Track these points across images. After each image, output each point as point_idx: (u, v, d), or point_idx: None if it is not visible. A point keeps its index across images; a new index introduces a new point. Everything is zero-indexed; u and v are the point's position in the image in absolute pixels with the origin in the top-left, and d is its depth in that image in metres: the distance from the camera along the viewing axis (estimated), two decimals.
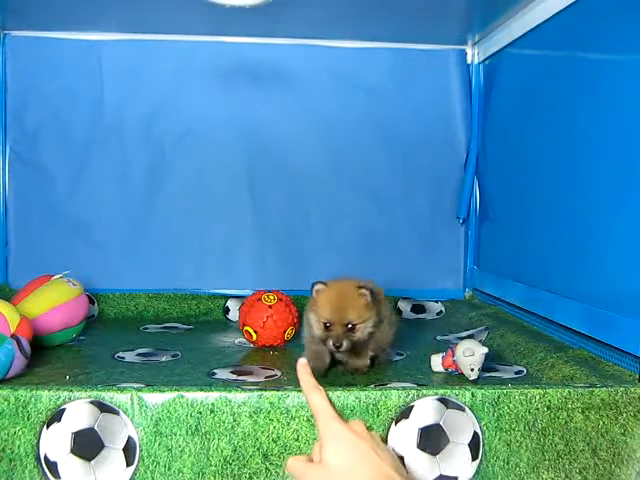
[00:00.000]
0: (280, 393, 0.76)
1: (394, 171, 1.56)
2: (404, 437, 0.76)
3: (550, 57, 1.17)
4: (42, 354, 1.06)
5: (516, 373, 1.01)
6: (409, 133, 1.55)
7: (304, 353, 0.98)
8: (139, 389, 0.76)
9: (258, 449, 0.75)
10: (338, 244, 1.55)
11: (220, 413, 0.75)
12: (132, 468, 0.74)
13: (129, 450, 0.74)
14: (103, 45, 1.49)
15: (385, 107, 1.54)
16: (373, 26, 1.40)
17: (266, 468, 0.75)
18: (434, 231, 1.57)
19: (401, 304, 1.52)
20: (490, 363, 1.03)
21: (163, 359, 1.08)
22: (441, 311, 1.52)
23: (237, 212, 1.54)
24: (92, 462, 0.73)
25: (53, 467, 0.73)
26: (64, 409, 0.74)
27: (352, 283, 0.94)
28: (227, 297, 1.49)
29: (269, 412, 0.76)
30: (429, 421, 0.76)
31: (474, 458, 0.77)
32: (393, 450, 0.76)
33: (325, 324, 0.92)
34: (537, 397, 0.78)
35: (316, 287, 0.95)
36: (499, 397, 0.78)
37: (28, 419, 0.74)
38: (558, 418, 0.78)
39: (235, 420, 0.75)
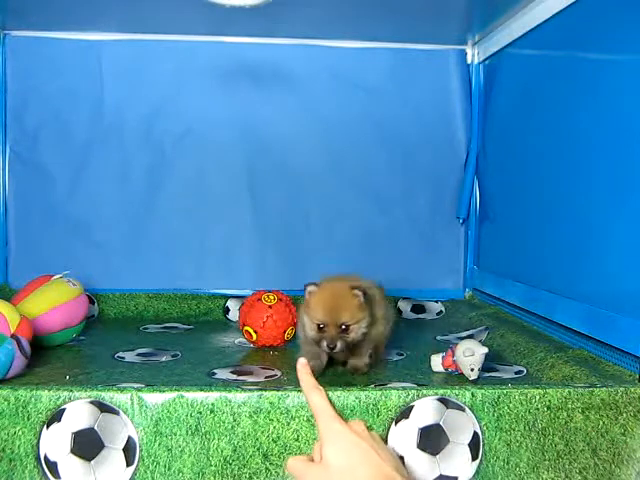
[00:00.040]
0: (280, 393, 0.76)
1: (394, 171, 1.56)
2: (404, 437, 0.76)
3: (550, 57, 1.17)
4: (42, 354, 1.06)
5: (516, 373, 1.01)
6: (409, 133, 1.55)
7: (299, 354, 0.97)
8: (139, 389, 0.76)
9: (258, 449, 0.75)
10: (338, 244, 1.54)
11: (220, 413, 0.75)
12: (132, 468, 0.74)
13: (129, 450, 0.74)
14: (103, 45, 1.49)
15: (385, 107, 1.54)
16: (373, 26, 1.40)
17: (266, 468, 0.75)
18: (434, 231, 1.57)
19: (401, 304, 1.52)
20: (490, 363, 1.03)
21: (163, 359, 1.08)
22: (441, 311, 1.52)
23: (237, 212, 1.54)
24: (92, 462, 0.73)
25: (53, 467, 0.73)
26: (64, 409, 0.74)
27: (345, 284, 0.93)
28: (227, 297, 1.49)
29: (269, 412, 0.76)
30: (429, 421, 0.76)
31: (474, 458, 0.77)
32: (393, 450, 0.76)
33: (318, 325, 0.92)
34: (537, 397, 0.78)
35: (308, 288, 0.94)
36: (499, 397, 0.78)
37: (28, 419, 0.74)
38: (558, 418, 0.78)
39: (235, 420, 0.75)
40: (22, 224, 1.49)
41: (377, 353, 1.03)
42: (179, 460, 0.75)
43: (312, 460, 0.71)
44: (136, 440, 0.75)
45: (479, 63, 1.54)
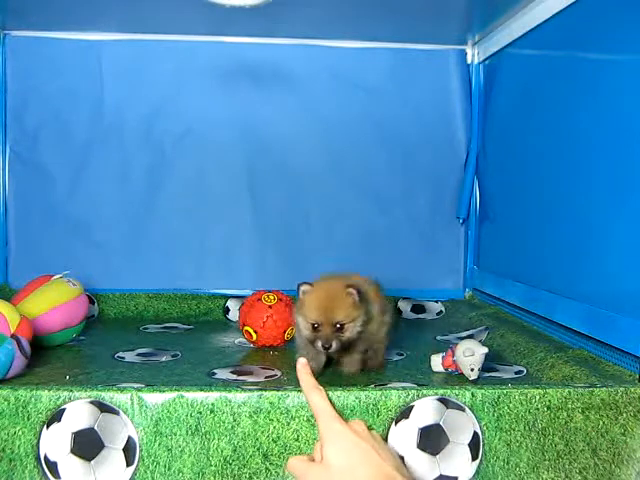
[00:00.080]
0: (280, 393, 0.76)
1: (394, 171, 1.56)
2: (404, 437, 0.76)
3: (550, 57, 1.17)
4: (42, 354, 1.06)
5: (516, 373, 1.01)
6: (409, 133, 1.55)
7: (298, 354, 0.97)
8: (139, 389, 0.76)
9: (258, 449, 0.75)
10: (338, 244, 1.55)
11: (220, 413, 0.75)
12: (132, 468, 0.74)
13: (129, 450, 0.74)
14: (103, 45, 1.49)
15: (385, 107, 1.54)
16: (373, 26, 1.40)
17: (266, 468, 0.75)
18: (434, 231, 1.57)
19: (401, 304, 1.52)
20: (490, 363, 1.03)
21: (163, 359, 1.08)
22: (441, 311, 1.52)
23: (237, 212, 1.54)
24: (92, 462, 0.73)
25: (53, 467, 0.73)
26: (64, 409, 0.74)
27: (339, 282, 0.93)
28: (227, 297, 1.49)
29: (269, 412, 0.76)
30: (429, 421, 0.76)
31: (474, 458, 0.77)
32: (393, 450, 0.76)
33: (313, 325, 0.91)
34: (537, 397, 0.78)
35: (302, 288, 0.94)
36: (499, 397, 0.78)
37: (28, 419, 0.74)
38: (558, 418, 0.78)
39: (235, 420, 0.75)
40: (22, 224, 1.49)
41: (378, 353, 1.03)
42: (179, 460, 0.75)
43: (312, 460, 0.71)
44: (136, 440, 0.75)
45: (479, 63, 1.54)
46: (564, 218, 1.10)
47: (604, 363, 0.95)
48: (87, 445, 0.73)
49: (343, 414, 0.76)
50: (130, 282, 1.50)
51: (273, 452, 0.75)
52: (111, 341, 1.21)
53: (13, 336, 0.91)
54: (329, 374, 0.99)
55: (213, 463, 0.75)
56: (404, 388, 0.78)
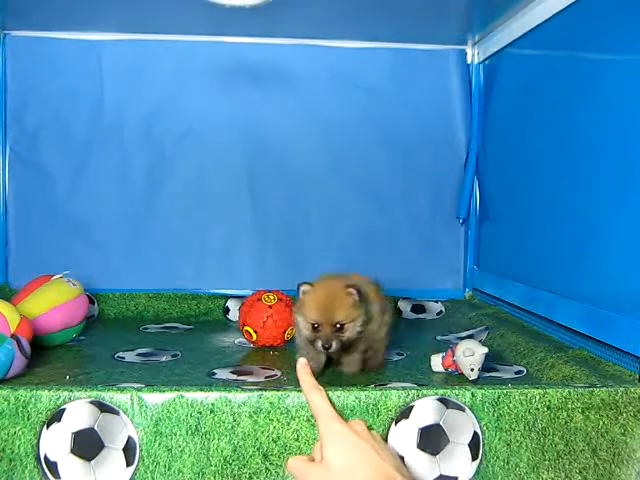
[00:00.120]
0: (280, 393, 0.76)
1: (394, 171, 1.56)
2: (404, 437, 0.76)
3: (550, 57, 1.17)
4: (42, 354, 1.06)
5: (516, 373, 1.01)
6: (409, 133, 1.55)
7: (298, 354, 0.96)
8: (139, 389, 0.76)
9: (258, 449, 0.75)
10: (338, 244, 1.55)
11: (220, 413, 0.75)
12: (132, 468, 0.74)
13: (129, 450, 0.74)
14: (103, 45, 1.49)
15: (385, 107, 1.54)
16: (373, 26, 1.40)
17: (266, 468, 0.75)
18: (434, 231, 1.57)
19: (401, 304, 1.52)
20: (490, 363, 1.03)
21: (163, 359, 1.08)
22: (441, 311, 1.52)
23: (237, 212, 1.54)
24: (92, 462, 0.73)
25: (53, 467, 0.73)
26: (64, 409, 0.74)
27: (339, 282, 0.93)
28: (227, 297, 1.49)
29: (269, 412, 0.76)
30: (429, 421, 0.76)
31: (474, 458, 0.77)
32: (393, 450, 0.76)
33: (313, 325, 0.91)
34: (537, 397, 0.78)
35: (302, 288, 0.93)
36: (499, 397, 0.78)
37: (28, 419, 0.74)
38: (558, 418, 0.78)
39: (235, 420, 0.75)
40: (22, 224, 1.49)
41: (378, 353, 1.03)
42: (179, 460, 0.75)
43: (312, 460, 0.71)
44: (136, 440, 0.75)
45: (479, 63, 1.54)
46: (564, 218, 1.10)
47: (604, 363, 0.95)
48: (87, 445, 0.73)
49: (343, 414, 0.76)
50: (130, 282, 1.50)
51: (273, 452, 0.75)
52: (111, 341, 1.21)
53: (13, 336, 0.91)
54: (329, 374, 0.99)
55: (213, 463, 0.75)
56: (404, 388, 0.78)
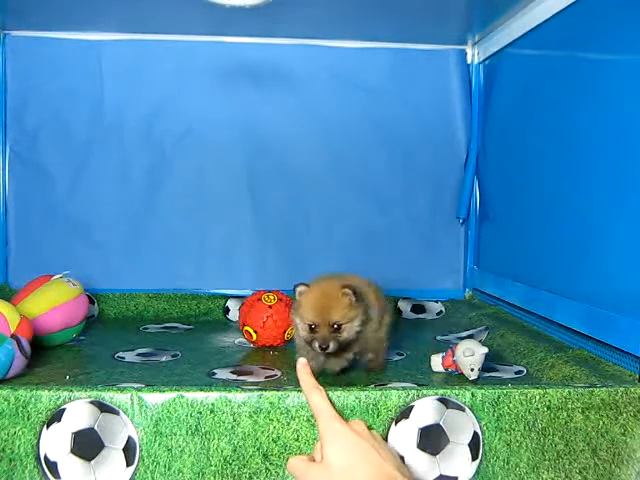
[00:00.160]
0: (280, 393, 0.76)
1: (394, 171, 1.56)
2: (404, 437, 0.76)
3: (550, 57, 1.17)
4: (42, 354, 1.06)
5: (516, 373, 1.01)
6: (409, 133, 1.55)
7: (297, 355, 0.96)
8: (139, 389, 0.76)
9: (258, 449, 0.75)
10: (338, 244, 1.55)
11: (220, 413, 0.75)
12: (132, 468, 0.74)
13: (129, 450, 0.74)
14: (103, 45, 1.49)
15: (385, 107, 1.54)
16: (373, 26, 1.40)
17: (266, 468, 0.75)
18: (434, 231, 1.57)
19: (401, 304, 1.52)
20: (490, 363, 1.03)
21: (163, 359, 1.08)
22: (441, 311, 1.52)
23: (237, 212, 1.54)
24: (92, 462, 0.73)
25: (53, 467, 0.73)
26: (64, 409, 0.74)
27: (335, 283, 0.92)
28: (227, 297, 1.49)
29: (269, 412, 0.76)
30: (429, 421, 0.76)
31: (474, 458, 0.77)
32: (393, 450, 0.75)
33: (310, 326, 0.91)
34: (537, 397, 0.78)
35: (298, 289, 0.93)
36: (499, 397, 0.78)
37: (28, 419, 0.74)
38: (558, 418, 0.78)
39: (235, 420, 0.75)
40: (22, 224, 1.49)
41: (378, 355, 1.03)
42: (179, 460, 0.75)
43: (313, 460, 0.71)
44: (136, 440, 0.75)
45: (479, 63, 1.54)
46: (564, 218, 1.10)
47: (604, 363, 0.95)
48: (87, 445, 0.73)
49: (343, 414, 0.76)
50: (130, 282, 1.50)
51: (273, 452, 0.75)
52: (111, 341, 1.21)
53: (13, 336, 0.91)
54: (329, 374, 0.99)
55: (213, 463, 0.75)
56: (404, 388, 0.78)
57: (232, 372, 1.00)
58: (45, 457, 0.74)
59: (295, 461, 0.71)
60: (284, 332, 1.16)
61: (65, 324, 1.13)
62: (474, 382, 0.92)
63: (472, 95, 1.55)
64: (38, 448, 0.74)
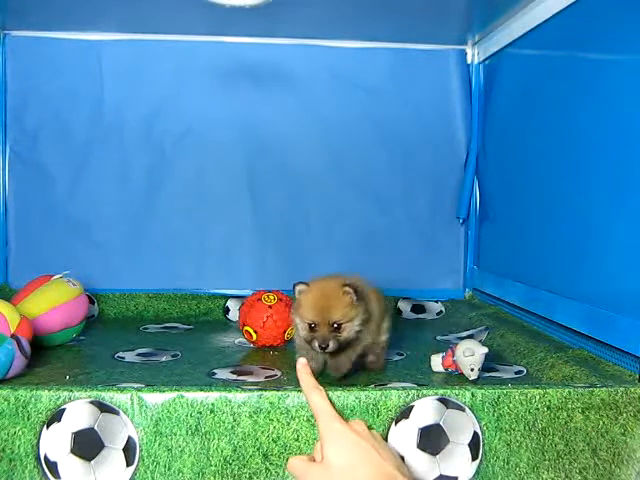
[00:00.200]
0: (280, 393, 0.76)
1: (394, 171, 1.56)
2: (404, 437, 0.76)
3: (550, 57, 1.17)
4: (42, 354, 1.06)
5: (516, 373, 1.01)
6: (409, 133, 1.55)
7: (297, 355, 0.95)
8: (139, 389, 0.76)
9: (258, 449, 0.75)
10: (338, 244, 1.55)
11: (220, 413, 0.75)
12: (132, 468, 0.74)
13: (129, 450, 0.74)
14: (103, 45, 1.49)
15: (385, 107, 1.54)
16: (373, 26, 1.40)
17: (266, 468, 0.75)
18: (434, 231, 1.57)
19: (401, 304, 1.52)
20: (490, 363, 1.03)
21: (163, 359, 1.08)
22: (441, 311, 1.52)
23: (237, 212, 1.54)
24: (92, 462, 0.73)
25: (53, 467, 0.73)
26: (64, 409, 0.74)
27: (336, 282, 0.91)
28: (227, 297, 1.49)
29: (269, 412, 0.76)
30: (429, 421, 0.76)
31: (474, 458, 0.77)
32: (393, 449, 0.75)
33: (310, 325, 0.90)
34: (537, 397, 0.78)
35: (298, 288, 0.92)
36: (499, 397, 0.78)
37: (28, 419, 0.74)
38: (558, 418, 0.78)
39: (235, 420, 0.75)
40: (22, 224, 1.49)
41: (379, 357, 1.03)
42: (179, 460, 0.75)
43: (313, 460, 0.71)
44: (136, 440, 0.75)
45: (479, 63, 1.54)
46: (564, 218, 1.10)
47: (604, 363, 0.95)
48: (87, 445, 0.73)
49: (343, 414, 0.76)
50: (130, 282, 1.50)
51: (273, 452, 0.75)
52: (111, 341, 1.21)
53: (13, 336, 0.91)
54: (329, 374, 0.98)
55: (213, 463, 0.75)
56: (404, 388, 0.78)
57: (232, 372, 1.00)
58: (45, 457, 0.74)
59: (295, 461, 0.71)
60: (284, 332, 1.16)
61: (65, 324, 1.13)
62: (474, 382, 0.92)
63: (472, 95, 1.55)
64: (38, 448, 0.74)
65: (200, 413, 0.75)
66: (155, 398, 0.75)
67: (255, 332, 1.16)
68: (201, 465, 0.75)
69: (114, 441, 0.74)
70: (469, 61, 1.55)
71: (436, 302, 1.54)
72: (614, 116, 0.95)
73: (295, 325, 0.94)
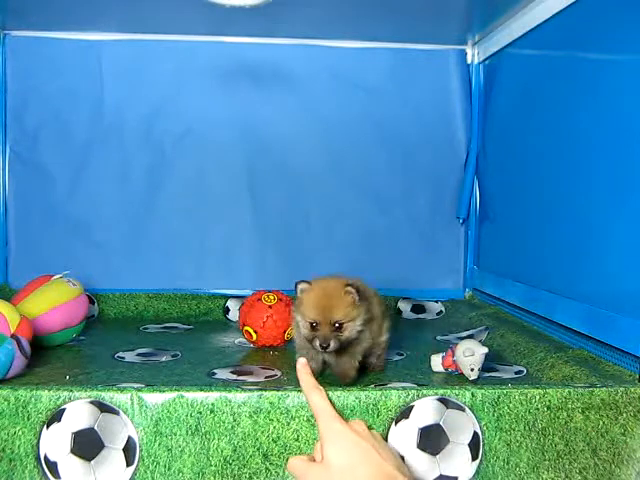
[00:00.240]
0: (280, 393, 0.76)
1: (394, 171, 1.56)
2: (404, 437, 0.76)
3: (550, 57, 1.18)
4: (42, 354, 1.06)
5: (516, 373, 1.01)
6: (409, 133, 1.55)
7: (297, 355, 0.95)
8: (139, 389, 0.76)
9: (258, 449, 0.75)
10: (338, 244, 1.55)
11: (220, 413, 0.75)
12: (132, 468, 0.74)
13: (129, 450, 0.74)
14: (103, 45, 1.49)
15: (385, 107, 1.54)
16: (373, 26, 1.40)
17: (266, 468, 0.75)
18: (434, 231, 1.57)
19: (401, 304, 1.52)
20: (490, 363, 1.03)
21: (163, 359, 1.08)
22: (441, 311, 1.52)
23: (237, 212, 1.54)
24: (92, 462, 0.73)
25: (53, 467, 0.73)
26: (64, 409, 0.74)
27: (338, 281, 0.91)
28: (227, 297, 1.49)
29: (269, 412, 0.76)
30: (429, 421, 0.76)
31: (474, 458, 0.77)
32: (393, 449, 0.75)
33: (311, 324, 0.89)
34: (537, 397, 0.78)
35: (300, 286, 0.91)
36: (499, 397, 0.78)
37: (28, 419, 0.74)
38: (558, 418, 0.78)
39: (235, 420, 0.75)
40: (22, 224, 1.49)
41: (380, 358, 1.03)
42: (179, 460, 0.75)
43: (313, 460, 0.71)
44: (136, 440, 0.75)
45: (479, 63, 1.54)
46: (564, 218, 1.10)
47: (604, 363, 0.95)
48: (87, 445, 0.73)
49: (343, 414, 0.76)
50: (130, 282, 1.50)
51: (273, 452, 0.75)
52: (111, 341, 1.21)
53: (13, 336, 0.91)
54: (329, 374, 0.98)
55: (213, 463, 0.75)
56: (404, 388, 0.78)
57: (232, 372, 1.00)
58: (45, 457, 0.74)
59: (295, 461, 0.71)
60: (284, 332, 1.16)
61: (65, 324, 1.13)
62: (474, 382, 0.92)
63: (472, 95, 1.55)
64: (38, 448, 0.74)
65: (200, 413, 0.75)
66: (155, 398, 0.75)
67: (255, 332, 1.16)
68: (201, 465, 0.75)
69: (114, 441, 0.74)
70: (469, 61, 1.55)
71: (436, 302, 1.54)
72: (614, 116, 0.95)
73: (296, 324, 0.94)
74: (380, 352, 1.03)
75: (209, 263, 1.54)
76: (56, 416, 0.74)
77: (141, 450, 0.74)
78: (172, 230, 1.52)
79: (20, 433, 0.74)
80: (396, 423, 0.76)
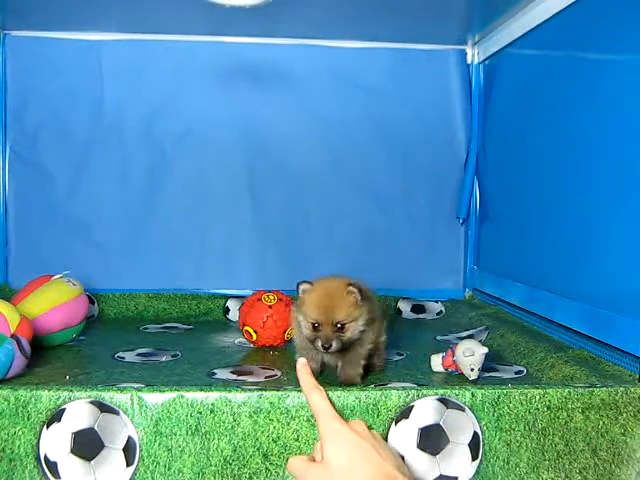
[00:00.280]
0: (280, 393, 0.76)
1: (394, 171, 1.56)
2: (404, 437, 0.76)
3: (550, 57, 1.18)
4: (42, 354, 1.06)
5: (516, 373, 1.01)
6: (409, 133, 1.55)
7: (297, 355, 0.95)
8: (139, 389, 0.76)
9: (258, 449, 0.75)
10: (338, 244, 1.55)
11: (220, 413, 0.75)
12: (132, 468, 0.74)
13: (129, 450, 0.74)
14: (103, 45, 1.49)
15: (385, 107, 1.54)
16: (373, 26, 1.40)
17: (266, 468, 0.75)
18: (434, 231, 1.57)
19: (401, 304, 1.52)
20: (490, 363, 1.03)
21: (163, 359, 1.08)
22: (441, 311, 1.52)
23: (237, 212, 1.54)
24: (92, 462, 0.73)
25: (53, 467, 0.73)
26: (64, 409, 0.74)
27: (340, 281, 0.91)
28: (227, 297, 1.49)
29: (269, 412, 0.76)
30: (429, 421, 0.76)
31: (474, 458, 0.77)
32: (393, 449, 0.75)
33: (313, 324, 0.89)
34: (537, 397, 0.78)
35: (302, 287, 0.91)
36: (499, 397, 0.78)
37: (28, 419, 0.74)
38: (558, 418, 0.78)
39: (235, 420, 0.75)
40: (22, 224, 1.49)
41: (380, 356, 1.03)
42: (179, 460, 0.75)
43: (313, 460, 0.71)
44: (136, 440, 0.75)
45: (479, 63, 1.54)
46: (564, 218, 1.10)
47: (604, 363, 0.95)
48: (87, 445, 0.73)
49: (343, 414, 0.76)
50: (130, 282, 1.50)
51: (273, 452, 0.75)
52: (111, 341, 1.21)
53: (13, 336, 0.91)
54: (329, 374, 0.98)
55: (213, 463, 0.75)
56: (404, 388, 0.78)
57: (232, 372, 1.00)
58: (45, 457, 0.74)
59: (295, 461, 0.71)
60: (284, 332, 1.16)
61: (65, 324, 1.13)
62: (474, 382, 0.92)
63: (472, 95, 1.55)
64: (38, 448, 0.74)
65: (200, 413, 0.75)
66: (155, 398, 0.75)
67: (255, 332, 1.16)
68: (201, 465, 0.75)
69: (114, 441, 0.74)
70: (469, 61, 1.55)
71: (436, 302, 1.54)
72: (614, 116, 0.95)
73: (296, 324, 0.94)
74: (381, 352, 1.03)
75: (209, 263, 1.54)
76: (56, 416, 0.74)
77: (141, 450, 0.75)
78: (172, 230, 1.52)
79: (20, 433, 0.74)
80: (396, 423, 0.76)
